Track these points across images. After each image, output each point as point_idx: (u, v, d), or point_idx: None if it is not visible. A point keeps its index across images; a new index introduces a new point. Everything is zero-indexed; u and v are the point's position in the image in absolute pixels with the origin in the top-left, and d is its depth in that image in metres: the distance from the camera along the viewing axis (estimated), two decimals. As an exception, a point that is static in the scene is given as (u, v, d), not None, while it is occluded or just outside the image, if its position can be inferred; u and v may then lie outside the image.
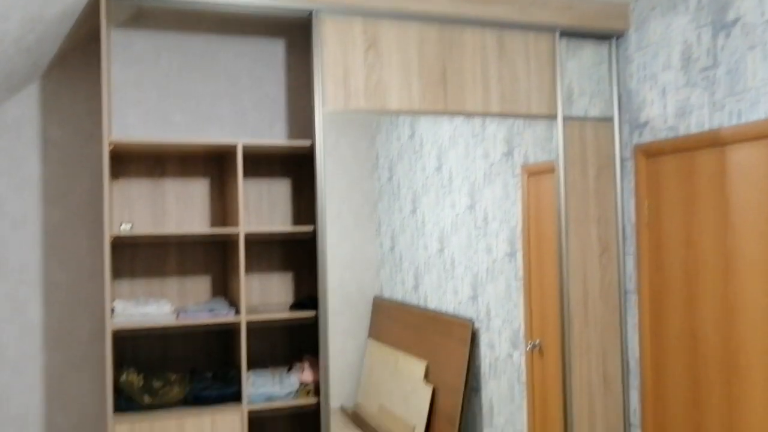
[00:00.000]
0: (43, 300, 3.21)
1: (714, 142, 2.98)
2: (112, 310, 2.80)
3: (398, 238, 5.76)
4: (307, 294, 3.41)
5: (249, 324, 3.32)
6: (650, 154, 3.41)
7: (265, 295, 3.37)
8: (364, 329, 6.05)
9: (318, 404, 2.99)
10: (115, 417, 2.77)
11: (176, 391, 2.89)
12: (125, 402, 2.84)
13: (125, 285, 3.18)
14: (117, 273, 3.17)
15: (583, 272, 3.47)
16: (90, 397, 3.18)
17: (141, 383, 2.89)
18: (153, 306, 2.87)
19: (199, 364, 3.26)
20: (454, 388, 4.60)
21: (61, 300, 3.25)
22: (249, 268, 3.34)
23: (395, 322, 5.57)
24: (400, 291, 5.68)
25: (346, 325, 5.94)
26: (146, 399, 2.83)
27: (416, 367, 5.02)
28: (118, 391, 2.85)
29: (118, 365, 3.09)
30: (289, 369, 3.20)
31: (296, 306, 3.13)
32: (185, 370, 3.23)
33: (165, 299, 3.00)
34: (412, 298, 5.49)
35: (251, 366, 3.33)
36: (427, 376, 4.93)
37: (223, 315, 2.92)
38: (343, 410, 5.85)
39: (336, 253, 5.98)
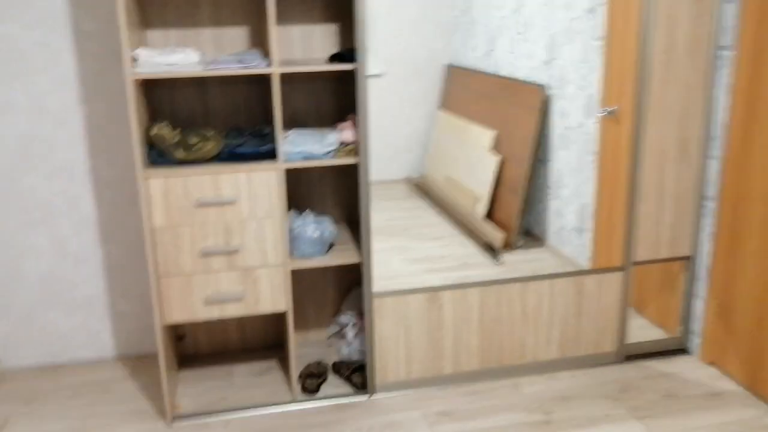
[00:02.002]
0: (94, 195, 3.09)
1: None
2: (134, 59, 2.55)
3: (471, -2, 5.19)
4: (350, 47, 3.04)
5: (288, 78, 3.02)
6: None
7: (307, 49, 3.03)
8: (434, 99, 5.71)
9: (358, 165, 2.75)
10: (148, 171, 2.63)
11: (211, 146, 2.69)
12: (158, 156, 2.67)
13: (157, 35, 2.90)
14: (147, 22, 2.88)
15: (672, 22, 2.93)
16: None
17: (176, 138, 2.71)
18: (180, 55, 2.59)
19: (240, 122, 3.04)
20: (521, 158, 4.29)
21: (110, 197, 3.11)
22: (287, 18, 2.98)
23: (466, 90, 5.17)
24: (472, 57, 5.22)
25: (414, 93, 5.60)
26: (179, 153, 2.66)
27: (484, 136, 4.70)
28: (151, 145, 2.68)
29: (153, 120, 2.90)
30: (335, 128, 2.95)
31: (335, 58, 2.79)
32: (227, 128, 3.03)
33: (192, 48, 2.71)
34: (484, 65, 5.04)
35: (294, 125, 3.09)
36: (494, 146, 4.62)
37: (253, 66, 2.62)
38: (408, 180, 5.70)
39: (401, 16, 5.49)
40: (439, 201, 5.12)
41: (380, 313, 2.89)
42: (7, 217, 3.03)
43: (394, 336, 2.93)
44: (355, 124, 2.80)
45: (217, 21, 2.92)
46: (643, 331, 3.43)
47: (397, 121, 5.61)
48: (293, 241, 2.82)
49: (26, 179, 3.01)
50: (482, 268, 4.12)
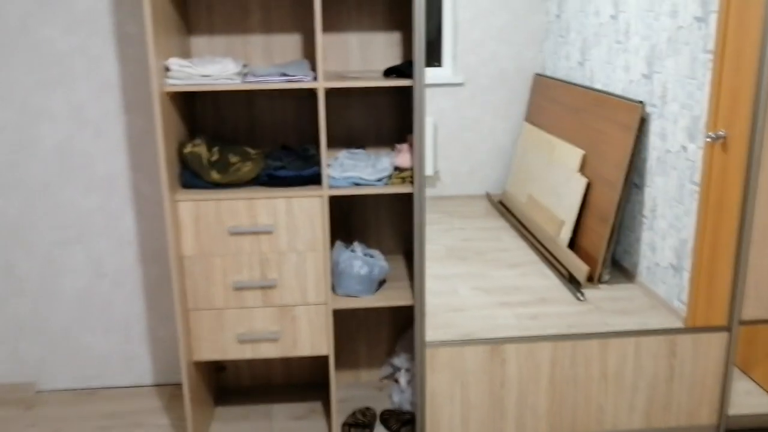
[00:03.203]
0: (134, 212, 2.81)
1: None
2: (167, 69, 2.25)
3: (566, 1, 4.68)
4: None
5: (344, 92, 2.65)
6: None
7: (367, 59, 2.65)
8: (520, 111, 5.21)
9: (413, 194, 2.34)
10: (178, 193, 2.32)
11: (249, 168, 2.36)
12: (191, 177, 2.36)
13: (201, 42, 2.60)
14: (190, 27, 2.58)
15: (801, 38, 2.38)
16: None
17: (212, 157, 2.39)
18: (216, 66, 2.27)
19: (290, 140, 2.70)
20: (612, 182, 3.76)
21: (151, 214, 2.83)
22: (344, 25, 2.61)
23: (555, 103, 4.66)
24: (564, 67, 4.70)
25: (498, 104, 5.12)
26: (214, 175, 2.34)
27: (572, 155, 4.19)
28: (184, 164, 2.37)
29: (191, 136, 2.60)
30: (394, 150, 2.56)
31: (392, 72, 2.39)
32: (274, 146, 2.69)
33: (231, 58, 2.39)
34: (577, 76, 4.51)
35: (350, 144, 2.71)
36: (583, 166, 4.11)
37: (296, 79, 2.26)
38: (489, 197, 5.23)
39: (488, 23, 5.02)
40: (519, 222, 4.64)
41: (433, 366, 2.48)
42: (43, 232, 2.80)
43: (448, 392, 2.51)
44: (412, 147, 2.40)
45: (268, 27, 2.59)
46: (749, 398, 2.86)
47: (479, 133, 5.15)
48: (338, 277, 2.45)
49: (64, 192, 2.77)
50: (561, 304, 3.63)
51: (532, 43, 5.01)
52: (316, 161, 2.39)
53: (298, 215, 2.33)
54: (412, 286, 2.54)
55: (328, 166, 2.38)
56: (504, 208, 4.87)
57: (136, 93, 2.69)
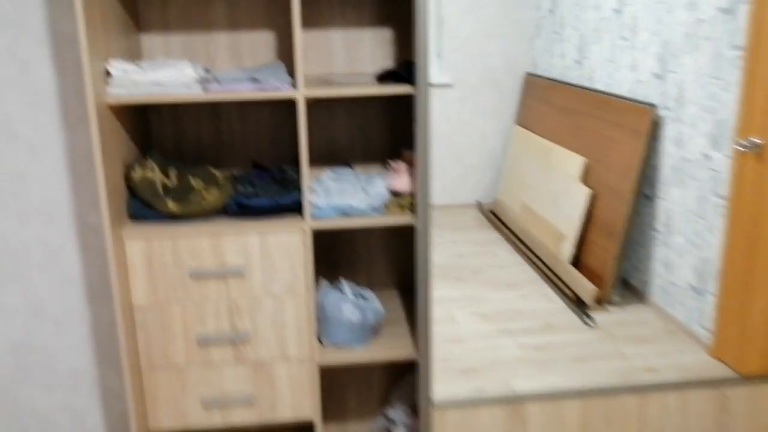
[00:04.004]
0: (78, 245, 2.31)
1: None
2: (107, 73, 1.78)
3: (561, -5, 4.26)
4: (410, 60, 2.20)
5: (325, 100, 2.20)
6: None
7: (352, 59, 2.21)
8: (511, 112, 4.79)
9: (415, 228, 1.90)
10: (126, 228, 1.86)
11: (214, 197, 1.91)
12: (141, 208, 1.90)
13: (155, 42, 2.13)
14: (140, 23, 2.11)
15: None
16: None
17: (169, 182, 1.94)
18: (169, 70, 1.81)
19: (263, 156, 2.24)
20: (619, 193, 3.37)
21: (99, 247, 2.31)
22: (326, 20, 2.16)
23: (549, 105, 4.26)
24: (558, 66, 4.29)
25: (487, 105, 4.69)
26: (171, 205, 1.88)
27: (571, 162, 3.79)
28: (133, 192, 1.91)
29: (144, 154, 2.12)
30: (385, 169, 2.13)
31: (387, 77, 1.95)
32: (245, 165, 2.23)
33: (189, 61, 1.93)
34: (574, 76, 4.11)
35: (332, 161, 2.27)
36: (585, 175, 3.71)
37: (271, 87, 1.81)
38: (479, 206, 4.80)
39: (476, 16, 4.59)
40: (515, 234, 4.22)
41: (442, 430, 2.05)
42: (-31, 270, 2.32)
43: (458, 457, 2.08)
44: (411, 166, 1.96)
45: (234, 23, 2.13)
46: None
47: (467, 136, 4.73)
48: (324, 323, 2.01)
49: (-7, 223, 2.28)
50: (568, 330, 3.22)
51: (522, 39, 4.60)
52: (295, 185, 1.93)
53: (274, 253, 1.88)
54: (413, 332, 2.10)
55: (311, 191, 1.93)
56: (496, 218, 4.45)
57: (77, 104, 2.21)
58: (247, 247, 1.87)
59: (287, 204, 1.89)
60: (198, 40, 2.12)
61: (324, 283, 2.10)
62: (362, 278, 2.37)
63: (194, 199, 1.89)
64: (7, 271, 2.32)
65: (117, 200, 1.82)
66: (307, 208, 1.86)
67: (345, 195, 1.93)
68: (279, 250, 1.88)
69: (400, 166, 1.99)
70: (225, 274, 1.88)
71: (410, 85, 1.82)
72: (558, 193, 3.84)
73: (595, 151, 3.65)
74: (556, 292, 3.59)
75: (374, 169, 2.23)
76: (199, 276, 1.87)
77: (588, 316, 3.26)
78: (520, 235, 4.10)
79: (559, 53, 4.22)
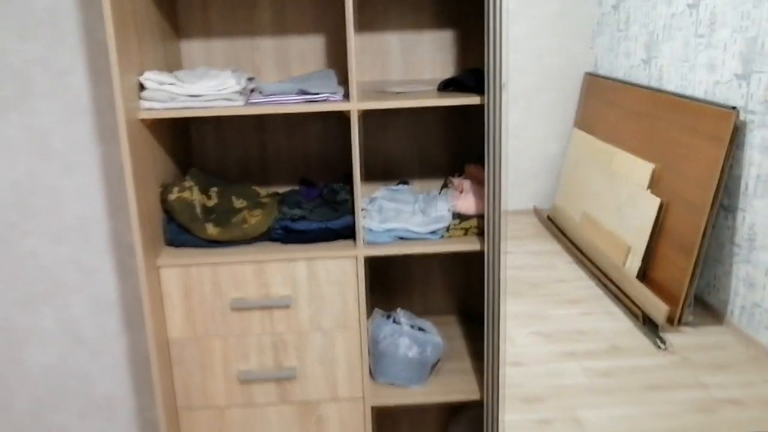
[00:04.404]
0: (114, 267, 2.13)
1: None
2: (141, 86, 1.60)
3: (627, -10, 3.95)
4: (473, 66, 1.96)
5: (376, 112, 1.99)
6: None
7: (410, 65, 1.98)
8: (569, 114, 4.50)
9: (483, 253, 1.67)
10: (162, 255, 1.68)
11: (258, 219, 1.71)
12: (178, 232, 1.71)
13: (197, 48, 1.95)
14: (181, 29, 1.93)
15: None
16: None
17: (209, 202, 1.75)
18: (211, 81, 1.62)
19: (313, 173, 2.04)
20: (695, 203, 3.07)
21: (136, 268, 2.13)
22: (382, 22, 1.94)
23: (613, 107, 3.96)
24: (623, 66, 3.99)
25: (544, 106, 4.40)
26: (210, 229, 1.69)
27: (639, 169, 3.50)
28: (170, 215, 1.72)
29: (183, 172, 1.94)
30: (444, 186, 1.90)
31: (450, 85, 1.72)
32: (293, 181, 2.04)
33: (231, 70, 1.73)
34: (641, 76, 3.80)
35: (387, 176, 2.05)
36: (654, 183, 3.42)
37: (320, 99, 1.61)
38: (536, 212, 4.52)
39: (533, 14, 4.32)
40: (575, 245, 3.94)
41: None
42: (1, 290, 2.17)
43: None
44: (478, 184, 1.73)
45: (281, 27, 1.93)
46: None
47: (523, 139, 4.46)
48: (378, 359, 1.80)
49: (26, 241, 2.13)
50: (638, 354, 2.96)
51: (583, 36, 4.31)
52: (347, 207, 1.72)
53: (324, 283, 1.67)
54: (476, 366, 1.87)
55: (364, 214, 1.72)
56: (554, 225, 4.18)
57: (113, 116, 2.04)
58: (294, 275, 1.67)
59: (338, 229, 1.69)
60: (242, 46, 1.93)
61: (378, 313, 1.88)
62: (417, 303, 2.15)
63: (236, 222, 1.70)
64: (41, 293, 2.17)
65: (152, 224, 1.63)
66: (360, 233, 1.65)
67: (402, 217, 1.71)
68: (329, 279, 1.67)
69: (464, 183, 1.76)
70: (269, 306, 1.68)
71: (478, 95, 1.59)
72: (624, 202, 3.55)
73: (666, 158, 3.36)
74: (622, 310, 3.32)
75: (433, 186, 2.00)
76: (241, 307, 1.68)
77: (660, 337, 2.99)
78: (581, 246, 3.82)
79: (624, 52, 3.93)
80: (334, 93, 1.61)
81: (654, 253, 3.34)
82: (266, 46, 1.93)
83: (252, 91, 1.73)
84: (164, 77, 1.59)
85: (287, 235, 1.69)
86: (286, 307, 1.68)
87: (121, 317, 2.20)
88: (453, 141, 2.01)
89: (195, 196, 1.70)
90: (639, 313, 3.19)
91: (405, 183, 1.96)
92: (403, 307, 2.01)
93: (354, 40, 1.52)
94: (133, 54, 1.53)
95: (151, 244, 1.61)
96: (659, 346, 2.97)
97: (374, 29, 1.93)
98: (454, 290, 2.14)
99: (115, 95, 1.47)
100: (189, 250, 1.68)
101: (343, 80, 1.70)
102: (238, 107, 1.58)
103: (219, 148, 1.98)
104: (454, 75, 1.78)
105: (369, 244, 1.68)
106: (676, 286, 3.12)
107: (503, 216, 1.59)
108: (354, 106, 1.56)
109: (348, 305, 1.69)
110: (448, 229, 1.69)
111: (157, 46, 1.70)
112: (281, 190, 1.95)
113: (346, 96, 1.62)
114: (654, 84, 3.63)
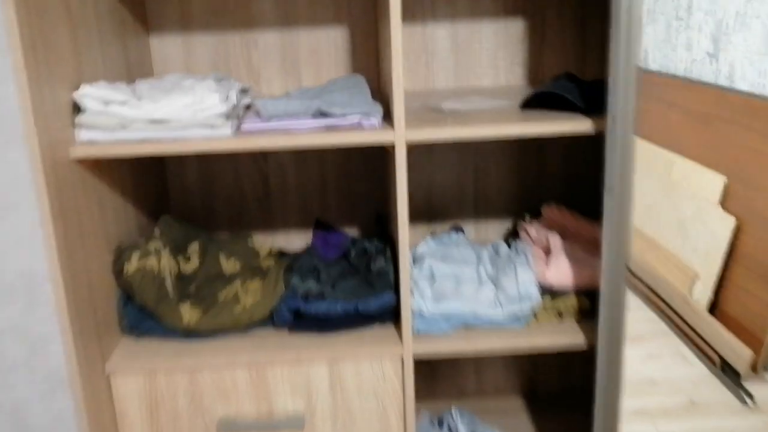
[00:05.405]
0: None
1: None
2: (76, 107, 1.03)
3: (688, -29, 3.36)
4: (552, 68, 1.38)
5: (419, 147, 1.41)
6: None
7: (464, 69, 1.41)
8: (615, 116, 3.92)
9: (592, 350, 1.09)
10: (116, 352, 1.12)
11: (255, 297, 1.15)
12: (139, 317, 1.14)
13: (172, 46, 1.38)
14: (152, 21, 1.36)
15: None
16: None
17: (185, 266, 1.19)
18: (182, 99, 1.05)
19: (331, 214, 1.47)
20: (783, 227, 2.52)
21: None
22: (424, 10, 1.37)
23: (671, 108, 3.38)
24: (683, 60, 3.40)
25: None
26: (187, 313, 1.13)
27: (707, 182, 2.93)
28: (129, 293, 1.16)
29: (154, 216, 1.37)
30: (512, 235, 1.33)
31: (538, 99, 1.14)
32: (304, 225, 1.47)
33: (214, 77, 1.16)
34: (706, 72, 3.21)
35: (431, 217, 1.48)
36: (726, 199, 2.86)
37: (348, 125, 1.04)
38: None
39: None
40: (627, 268, 3.38)
41: None
42: None
43: None
44: (572, 240, 1.16)
45: (288, 17, 1.35)
46: None
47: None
48: (429, 491, 1.23)
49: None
50: (722, 413, 2.43)
51: (628, 27, 3.72)
52: (387, 282, 1.14)
53: (353, 394, 1.11)
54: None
55: (412, 289, 1.14)
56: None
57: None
58: (309, 383, 1.10)
59: (372, 312, 1.11)
60: (234, 42, 1.35)
61: (425, 417, 1.32)
62: (470, 382, 1.58)
63: (225, 302, 1.13)
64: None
65: (100, 308, 1.07)
66: (406, 319, 1.08)
67: (465, 292, 1.14)
68: (360, 388, 1.10)
69: (550, 237, 1.19)
70: (273, 428, 1.11)
71: (587, 115, 1.01)
72: (687, 220, 2.99)
73: (739, 168, 2.80)
74: (693, 352, 2.76)
75: (492, 232, 1.43)
76: (231, 429, 1.11)
77: (745, 390, 2.44)
78: (635, 270, 3.26)
79: (684, 44, 3.34)
80: (368, 115, 1.03)
81: (727, 282, 2.79)
82: (267, 41, 1.35)
83: (247, 108, 1.16)
84: (112, 93, 1.01)
85: (299, 321, 1.12)
86: (298, 429, 1.11)
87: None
88: (521, 171, 1.43)
89: (164, 262, 1.13)
90: (716, 357, 2.63)
91: (459, 230, 1.39)
92: (451, 394, 1.45)
93: (400, 36, 0.95)
94: (64, 55, 0.97)
95: (95, 338, 1.04)
96: (745, 402, 2.42)
97: (414, 19, 1.35)
98: (517, 364, 1.57)
99: (24, 123, 0.90)
100: (156, 344, 1.12)
101: (374, 90, 1.13)
102: (222, 139, 1.01)
103: (203, 183, 1.41)
104: (544, 85, 1.20)
105: (419, 333, 1.11)
106: (757, 324, 2.57)
107: (624, 295, 1.03)
108: (401, 137, 0.98)
109: (389, 422, 1.12)
110: (534, 312, 1.12)
111: (110, 45, 1.13)
112: (288, 239, 1.38)
113: (387, 118, 1.04)
114: (723, 82, 3.05)
